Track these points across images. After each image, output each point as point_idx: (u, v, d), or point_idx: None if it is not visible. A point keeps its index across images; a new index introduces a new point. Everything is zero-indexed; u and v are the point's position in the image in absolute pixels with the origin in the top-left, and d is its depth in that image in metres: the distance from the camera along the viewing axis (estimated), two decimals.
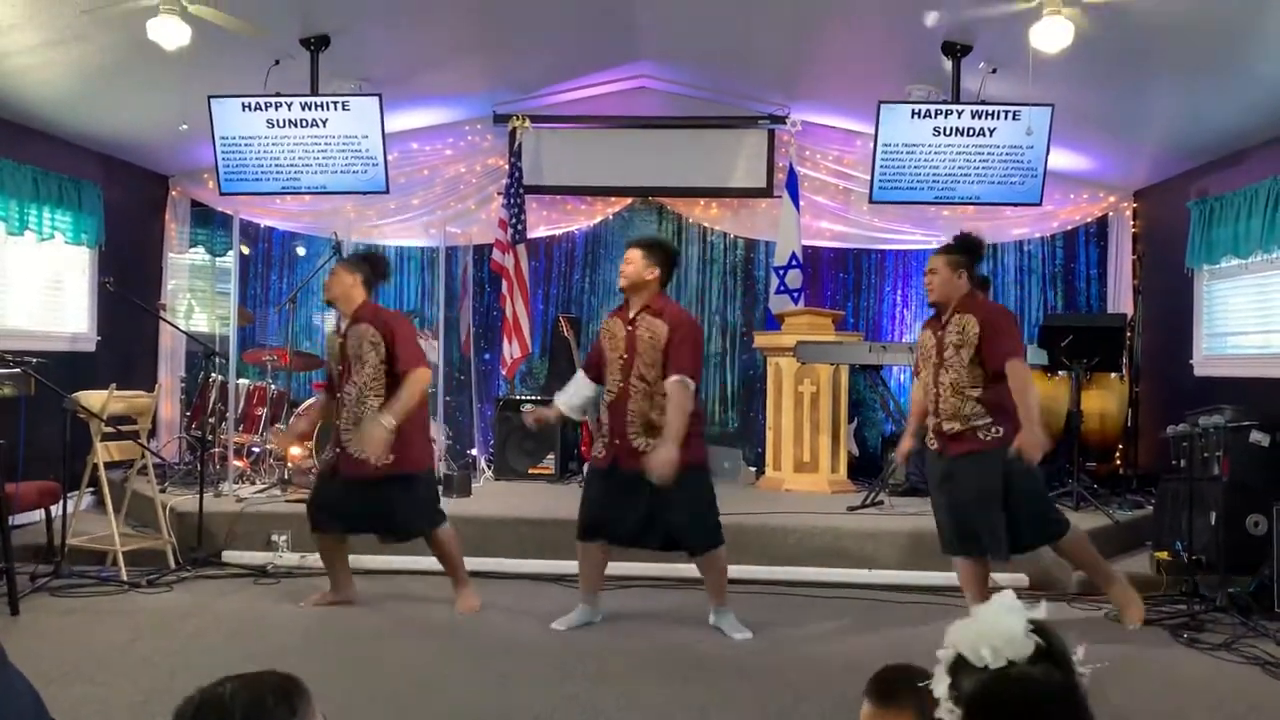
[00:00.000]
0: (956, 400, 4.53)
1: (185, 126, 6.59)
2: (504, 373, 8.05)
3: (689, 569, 5.14)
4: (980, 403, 4.50)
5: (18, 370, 5.14)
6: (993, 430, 4.49)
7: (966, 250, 4.70)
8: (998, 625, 1.48)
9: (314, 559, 5.57)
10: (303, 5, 5.70)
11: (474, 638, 4.51)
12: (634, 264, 4.63)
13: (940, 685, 1.50)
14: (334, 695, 3.68)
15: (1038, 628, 1.49)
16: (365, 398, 4.76)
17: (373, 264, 5.08)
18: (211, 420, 6.99)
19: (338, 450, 4.85)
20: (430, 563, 5.52)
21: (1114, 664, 4.03)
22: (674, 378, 4.45)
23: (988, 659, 1.45)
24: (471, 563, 5.64)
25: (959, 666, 1.49)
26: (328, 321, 7.73)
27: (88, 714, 3.45)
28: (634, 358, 4.55)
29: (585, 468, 5.04)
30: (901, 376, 8.41)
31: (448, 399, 8.01)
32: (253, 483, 6.69)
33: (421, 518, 4.90)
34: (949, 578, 5.11)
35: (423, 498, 4.93)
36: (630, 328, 4.61)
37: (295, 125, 6.45)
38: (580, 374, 4.91)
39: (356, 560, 5.65)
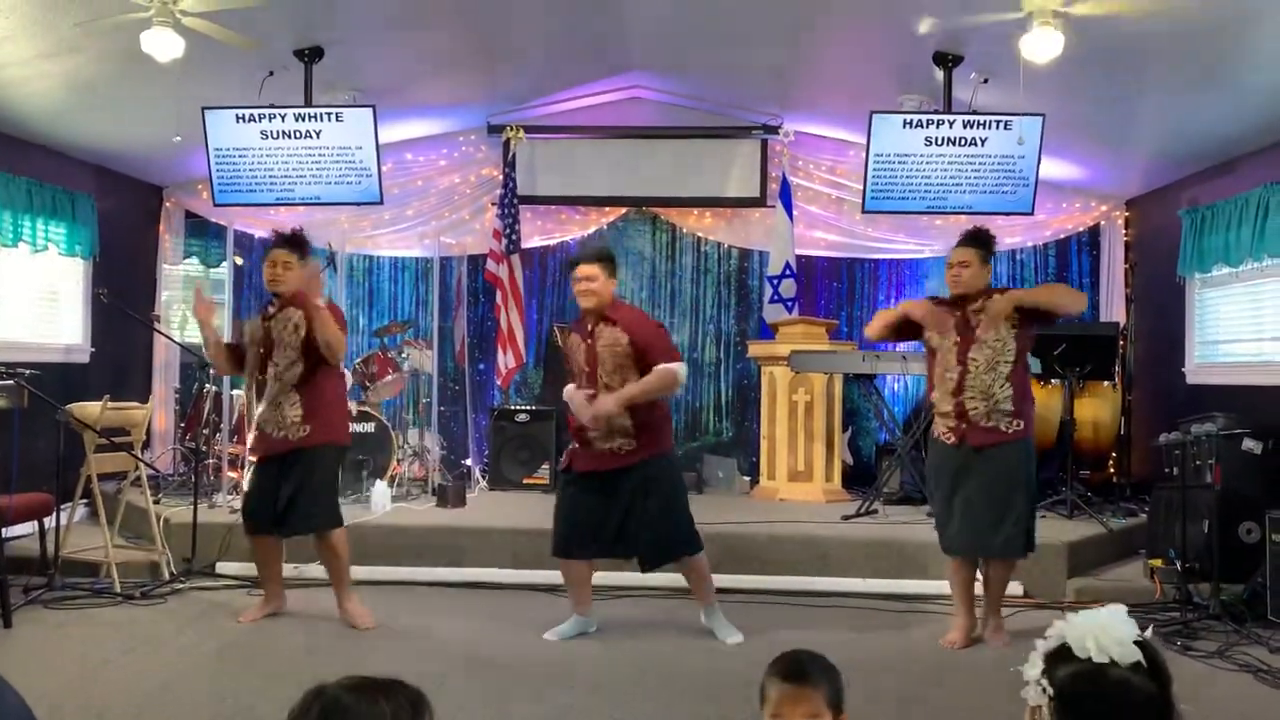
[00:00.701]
0: (989, 377, 4.48)
1: (179, 138, 6.59)
2: (499, 383, 8.05)
3: (680, 578, 5.14)
4: (1010, 383, 4.48)
5: (11, 382, 5.13)
6: (1014, 423, 4.50)
7: (990, 245, 4.73)
8: (1110, 626, 1.54)
9: (308, 569, 5.57)
10: (296, 17, 5.71)
11: (467, 649, 4.50)
12: (598, 281, 4.57)
13: (1034, 668, 1.56)
14: None
15: (1145, 644, 1.55)
16: (282, 379, 4.81)
17: (304, 247, 5.01)
18: (205, 431, 6.98)
19: (256, 433, 4.88)
20: (423, 574, 5.54)
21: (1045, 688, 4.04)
22: (662, 365, 4.50)
23: (1091, 652, 1.52)
24: (466, 573, 5.67)
25: (1059, 655, 1.55)
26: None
27: None
28: (596, 368, 4.58)
29: (560, 477, 4.97)
30: (896, 385, 8.43)
31: (442, 409, 8.01)
32: None
33: (321, 511, 4.84)
34: (944, 586, 5.12)
35: (326, 485, 4.90)
36: (589, 340, 4.62)
37: (289, 136, 6.45)
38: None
39: (354, 572, 5.66)
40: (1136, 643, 1.53)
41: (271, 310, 4.90)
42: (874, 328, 4.91)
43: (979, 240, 4.68)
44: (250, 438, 5.05)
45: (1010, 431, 4.49)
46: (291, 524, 4.80)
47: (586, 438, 4.59)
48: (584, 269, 4.58)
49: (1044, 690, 1.52)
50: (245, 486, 5.21)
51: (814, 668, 2.05)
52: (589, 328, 4.62)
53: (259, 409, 4.89)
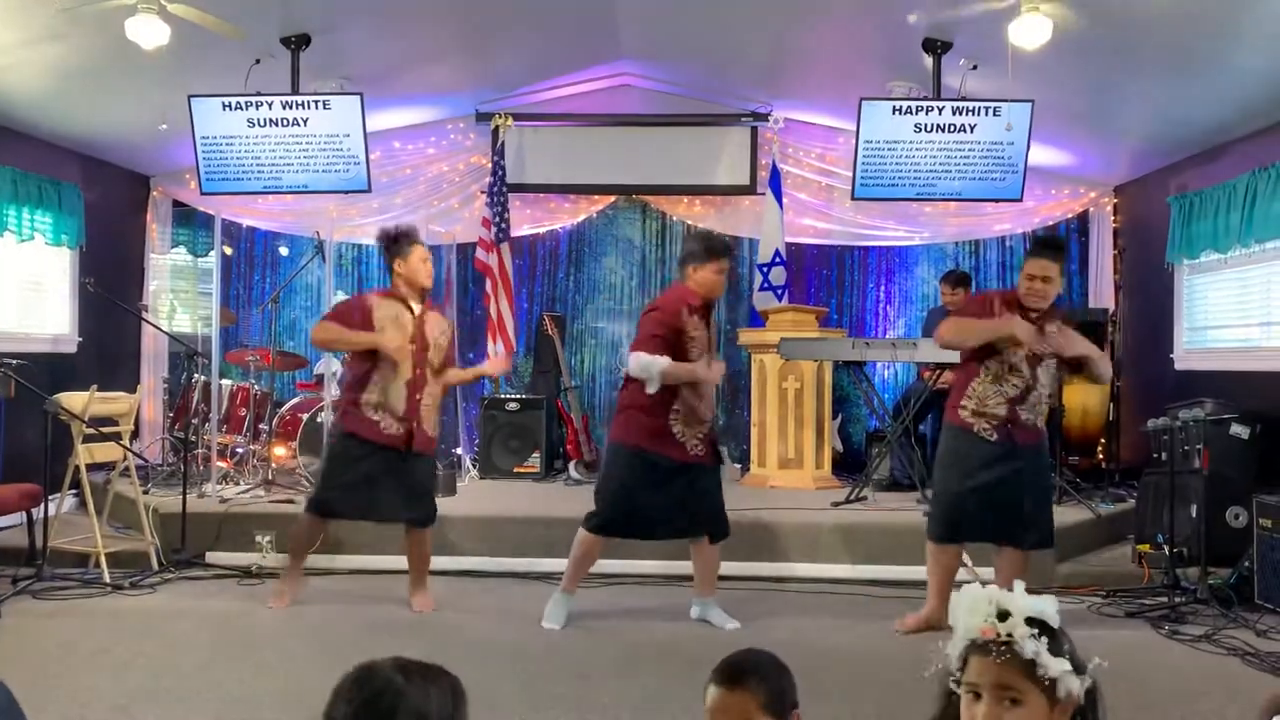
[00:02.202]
0: (1047, 396, 4.62)
1: (165, 126, 6.56)
2: None
3: (671, 565, 5.16)
4: (1050, 397, 4.73)
5: None
6: (1042, 423, 4.69)
7: (1064, 253, 4.78)
8: (1031, 600, 1.60)
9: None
10: (283, 4, 5.68)
11: (460, 637, 4.50)
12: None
13: (1059, 663, 1.57)
14: (318, 694, 3.67)
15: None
16: (437, 381, 4.98)
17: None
18: (194, 421, 6.96)
19: (412, 424, 4.84)
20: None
21: (1095, 656, 4.06)
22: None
23: (1058, 621, 1.60)
24: (458, 562, 5.67)
25: (1051, 635, 1.59)
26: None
27: (70, 717, 3.43)
28: (710, 352, 4.73)
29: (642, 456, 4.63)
30: (885, 372, 8.45)
31: None
32: (236, 483, 6.66)
33: (434, 503, 5.13)
34: None
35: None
36: (709, 324, 4.74)
37: (276, 124, 6.42)
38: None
39: (346, 560, 5.66)
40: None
41: (417, 309, 4.93)
42: (965, 335, 4.65)
43: (1060, 250, 4.69)
44: (390, 421, 4.81)
45: (1043, 431, 4.67)
46: (429, 515, 5.01)
47: (701, 423, 4.64)
48: (726, 262, 4.69)
49: (1095, 666, 1.58)
50: (333, 468, 4.91)
51: (751, 670, 1.93)
52: (708, 312, 4.74)
53: (411, 398, 4.85)
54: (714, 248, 4.67)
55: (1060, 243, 4.75)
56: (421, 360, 4.88)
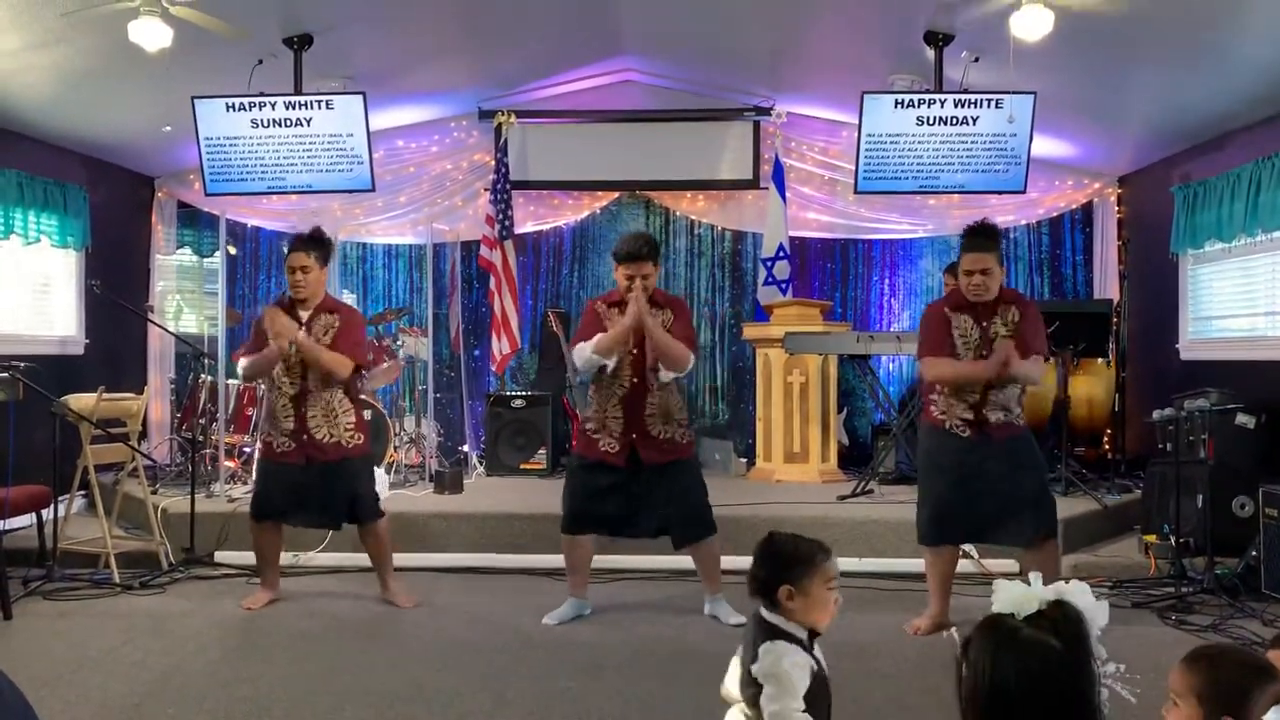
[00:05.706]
0: (1010, 391, 4.45)
1: (169, 128, 6.57)
2: (494, 369, 8.05)
3: (679, 560, 5.17)
4: (1022, 392, 4.54)
5: (6, 375, 5.13)
6: (1020, 418, 4.53)
7: (1000, 239, 4.64)
8: (1026, 592, 1.60)
9: (307, 558, 5.60)
10: (285, 4, 5.69)
11: (467, 633, 4.52)
12: (651, 276, 4.65)
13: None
14: (328, 692, 3.70)
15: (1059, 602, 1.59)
16: (333, 385, 4.88)
17: (328, 247, 5.04)
18: (202, 421, 6.99)
19: (303, 437, 4.83)
20: (421, 559, 5.55)
21: (1106, 656, 4.06)
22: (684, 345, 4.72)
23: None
24: (465, 558, 5.70)
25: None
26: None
27: (82, 717, 3.46)
28: (644, 352, 4.60)
29: (573, 460, 4.86)
30: (891, 365, 8.44)
31: (438, 395, 8.02)
32: (244, 483, 6.67)
33: (374, 505, 5.01)
34: None
35: (371, 484, 5.07)
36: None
37: (280, 125, 6.44)
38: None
39: (352, 559, 5.68)
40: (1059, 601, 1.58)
41: (302, 314, 4.88)
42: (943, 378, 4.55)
43: (993, 237, 4.52)
44: (279, 438, 4.87)
45: (1020, 425, 4.53)
46: (360, 517, 4.96)
47: (614, 419, 4.61)
48: (641, 265, 4.59)
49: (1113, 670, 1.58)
50: (257, 481, 5.14)
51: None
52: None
53: (297, 410, 4.83)
54: (619, 252, 4.66)
55: (992, 229, 4.54)
56: (305, 370, 4.83)
